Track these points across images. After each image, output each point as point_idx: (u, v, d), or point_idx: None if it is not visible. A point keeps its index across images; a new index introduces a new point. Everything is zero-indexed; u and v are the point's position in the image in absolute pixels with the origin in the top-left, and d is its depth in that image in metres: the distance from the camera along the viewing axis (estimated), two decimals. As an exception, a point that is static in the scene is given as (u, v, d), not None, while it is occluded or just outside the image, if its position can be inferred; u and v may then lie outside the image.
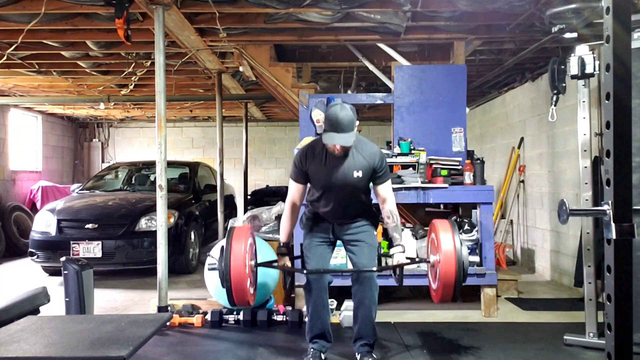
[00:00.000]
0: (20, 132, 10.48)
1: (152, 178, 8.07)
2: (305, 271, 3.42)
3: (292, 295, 4.98)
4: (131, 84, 7.86)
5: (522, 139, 7.42)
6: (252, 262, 3.41)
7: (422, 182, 4.80)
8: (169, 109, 10.47)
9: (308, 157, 3.39)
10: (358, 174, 3.33)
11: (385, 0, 4.59)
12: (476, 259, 3.45)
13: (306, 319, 3.64)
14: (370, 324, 3.41)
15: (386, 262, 3.96)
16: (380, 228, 3.79)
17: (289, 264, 3.57)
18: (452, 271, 3.21)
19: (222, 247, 3.33)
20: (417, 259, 3.76)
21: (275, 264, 3.62)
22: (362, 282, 3.36)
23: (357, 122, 3.25)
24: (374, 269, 3.35)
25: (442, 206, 5.76)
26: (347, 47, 5.94)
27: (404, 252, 3.44)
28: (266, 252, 4.59)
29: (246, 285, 3.25)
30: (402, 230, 4.91)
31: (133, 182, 8.18)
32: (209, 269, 4.20)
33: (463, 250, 3.25)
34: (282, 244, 3.57)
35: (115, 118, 12.52)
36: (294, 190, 3.48)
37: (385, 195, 3.44)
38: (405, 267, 4.73)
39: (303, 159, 3.40)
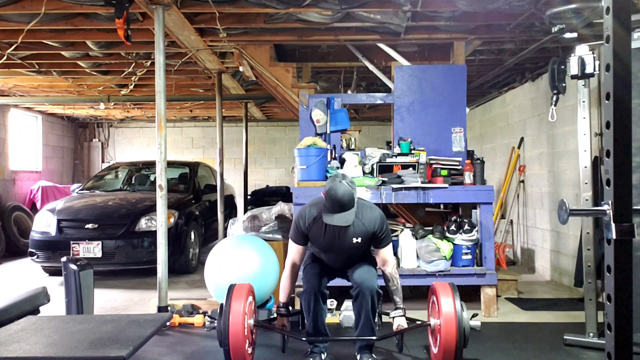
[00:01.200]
0: (20, 132, 10.48)
1: (152, 178, 8.07)
2: (304, 338, 3.43)
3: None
4: (131, 84, 7.86)
5: (522, 139, 7.42)
6: (251, 322, 3.41)
7: (422, 182, 4.80)
8: (169, 109, 10.48)
9: (308, 223, 3.40)
10: (357, 240, 3.36)
11: (385, 0, 4.59)
12: (477, 324, 3.46)
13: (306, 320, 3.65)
14: (370, 324, 3.40)
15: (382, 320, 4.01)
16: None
17: (288, 325, 3.58)
18: (452, 337, 3.20)
19: (221, 305, 3.33)
20: (418, 322, 3.65)
21: (275, 324, 3.63)
22: (364, 291, 3.33)
23: (357, 197, 3.26)
24: (374, 338, 3.36)
25: (442, 206, 5.76)
26: (347, 47, 5.94)
27: (404, 315, 3.44)
28: (266, 253, 4.59)
29: (244, 348, 3.26)
30: (402, 230, 4.95)
31: (133, 182, 8.17)
32: (207, 329, 4.24)
33: (464, 315, 3.25)
34: (281, 305, 3.56)
35: (115, 118, 12.52)
36: (294, 251, 3.50)
37: (386, 257, 3.45)
38: (406, 267, 4.78)
39: (303, 223, 3.40)
